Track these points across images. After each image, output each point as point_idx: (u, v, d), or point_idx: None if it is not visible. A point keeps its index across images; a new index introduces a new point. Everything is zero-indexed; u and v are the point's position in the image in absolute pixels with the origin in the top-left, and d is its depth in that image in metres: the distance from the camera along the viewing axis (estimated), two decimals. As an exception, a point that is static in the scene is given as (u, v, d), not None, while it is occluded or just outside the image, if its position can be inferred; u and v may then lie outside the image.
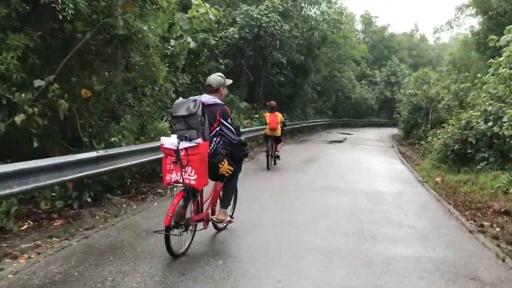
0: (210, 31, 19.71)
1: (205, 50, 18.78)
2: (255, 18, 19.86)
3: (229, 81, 5.15)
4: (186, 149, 4.39)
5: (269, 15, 20.02)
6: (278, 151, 12.25)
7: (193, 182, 4.46)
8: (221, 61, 19.18)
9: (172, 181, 4.58)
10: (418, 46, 69.82)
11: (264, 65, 22.68)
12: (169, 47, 9.32)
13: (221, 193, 5.32)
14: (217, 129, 4.72)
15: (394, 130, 39.87)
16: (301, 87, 27.18)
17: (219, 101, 4.84)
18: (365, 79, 51.71)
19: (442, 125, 22.15)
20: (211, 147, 4.71)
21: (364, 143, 23.55)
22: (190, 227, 4.79)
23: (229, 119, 4.80)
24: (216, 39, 19.33)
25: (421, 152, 18.87)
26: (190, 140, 4.44)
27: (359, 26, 60.57)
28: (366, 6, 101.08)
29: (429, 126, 21.73)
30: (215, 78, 4.96)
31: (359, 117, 48.45)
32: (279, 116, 11.87)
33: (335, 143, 22.51)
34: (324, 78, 37.83)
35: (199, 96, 4.81)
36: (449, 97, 23.12)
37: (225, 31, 19.55)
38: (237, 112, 19.36)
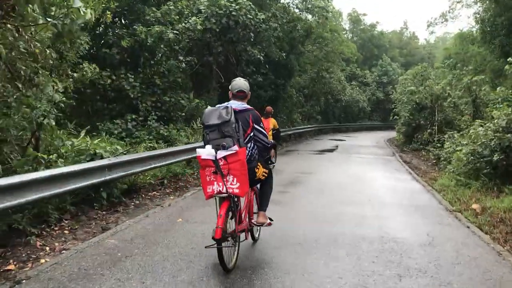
0: (169, 24, 16.24)
1: (162, 46, 15.25)
2: (223, 6, 16.35)
3: None
4: (225, 157, 4.19)
5: (240, 1, 16.53)
6: (272, 159, 10.79)
7: (236, 191, 4.25)
8: (181, 58, 15.61)
9: (215, 192, 4.30)
10: (408, 44, 67.00)
11: (238, 64, 19.18)
12: (50, 20, 5.71)
13: (258, 195, 5.08)
14: (251, 134, 4.58)
15: (390, 134, 36.64)
16: (284, 89, 23.68)
17: (249, 106, 4.69)
18: (356, 80, 48.52)
19: (451, 127, 18.98)
20: (246, 153, 4.43)
21: (359, 151, 20.04)
22: (237, 238, 4.59)
23: (261, 123, 4.69)
24: (176, 32, 15.80)
25: (432, 160, 15.42)
26: (226, 148, 4.20)
27: (346, 25, 57.58)
28: (353, 4, 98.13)
29: (436, 128, 18.34)
30: (244, 83, 4.78)
31: (351, 121, 45.09)
32: (271, 122, 11.77)
33: (325, 152, 18.97)
34: (311, 79, 34.49)
35: (227, 103, 4.56)
36: (454, 93, 19.79)
37: (185, 22, 15.97)
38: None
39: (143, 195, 7.99)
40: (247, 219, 4.92)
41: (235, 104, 4.50)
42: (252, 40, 17.77)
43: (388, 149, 21.65)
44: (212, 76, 18.34)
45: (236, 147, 4.20)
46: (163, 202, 7.62)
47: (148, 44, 15.03)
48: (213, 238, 4.07)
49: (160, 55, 15.29)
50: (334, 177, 11.23)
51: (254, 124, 4.58)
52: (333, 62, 32.04)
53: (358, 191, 9.33)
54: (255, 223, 4.88)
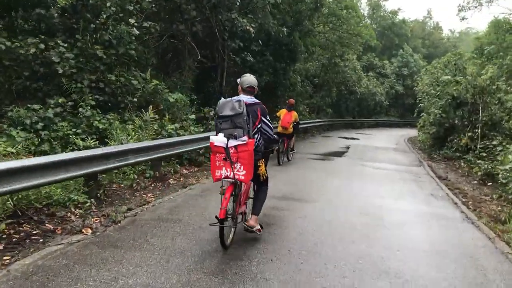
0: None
1: (108, 6, 11.05)
2: (198, -45, 12.01)
3: None
4: (236, 146, 4.54)
5: None
6: (291, 147, 12.56)
7: (242, 177, 4.59)
8: (132, 21, 11.26)
9: (222, 176, 4.65)
10: (432, 35, 61.73)
11: (225, 38, 14.79)
12: None
13: (253, 199, 5.32)
14: (258, 126, 4.93)
15: (410, 132, 32.15)
16: (285, 74, 19.21)
17: (258, 101, 5.03)
18: (373, 70, 43.68)
19: (497, 130, 14.51)
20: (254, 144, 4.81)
21: (376, 156, 15.58)
22: (237, 220, 5.00)
23: (267, 116, 5.04)
24: (133, -13, 11.53)
25: (476, 177, 11.07)
26: (237, 138, 4.54)
27: (365, 11, 52.55)
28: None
29: (479, 131, 13.83)
30: (254, 79, 5.12)
31: (366, 115, 40.42)
32: (294, 115, 11.78)
33: (331, 158, 14.54)
34: (322, 66, 30.04)
35: (238, 96, 4.96)
36: (503, 87, 15.19)
37: (145, -27, 11.63)
38: (164, 108, 11.55)
39: None
40: (245, 205, 5.22)
41: (245, 98, 4.87)
42: (238, 5, 13.40)
43: (411, 155, 17.14)
44: (186, 52, 13.98)
45: (246, 138, 4.55)
46: None
47: (90, 1, 10.93)
48: (216, 217, 4.46)
49: (105, 16, 11.00)
50: (333, 215, 6.67)
51: (262, 117, 4.94)
52: (348, 46, 27.37)
53: (374, 261, 4.87)
54: (246, 224, 5.04)
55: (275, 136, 5.32)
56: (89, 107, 9.99)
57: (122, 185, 7.50)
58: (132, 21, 11.14)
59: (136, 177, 7.86)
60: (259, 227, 5.13)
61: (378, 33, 49.15)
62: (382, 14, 53.29)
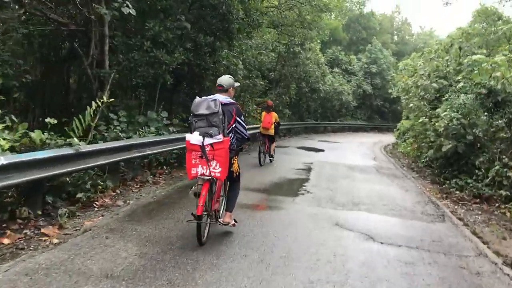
0: None
1: None
2: None
3: (237, 84, 5.41)
4: (211, 144, 4.66)
5: None
6: (272, 153, 12.28)
7: (218, 174, 4.72)
8: None
9: (198, 174, 4.74)
10: (400, 30, 56.61)
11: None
12: None
13: (226, 197, 5.46)
14: (233, 126, 5.00)
15: (382, 138, 26.54)
16: (213, 54, 12.45)
17: (233, 101, 5.11)
18: (338, 66, 37.60)
19: None
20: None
21: (355, 192, 9.01)
22: (212, 216, 5.12)
23: (242, 116, 5.13)
24: None
25: None
26: (213, 136, 4.64)
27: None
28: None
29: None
30: (226, 79, 5.22)
31: (330, 118, 34.11)
32: (274, 116, 11.86)
33: (279, 198, 7.93)
34: (279, 57, 23.65)
35: (214, 95, 4.97)
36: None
37: None
38: None
39: None
40: (217, 201, 5.24)
41: (221, 98, 4.95)
42: None
43: (409, 184, 10.67)
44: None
45: (221, 136, 4.67)
46: None
47: None
48: (193, 214, 4.59)
49: None
50: None
51: (237, 117, 5.02)
52: (311, 28, 21.00)
53: None
54: (221, 221, 5.20)
55: (248, 136, 5.29)
56: None
57: None
58: None
59: None
60: (233, 222, 5.31)
61: (344, 25, 43.42)
62: (348, 4, 47.52)
